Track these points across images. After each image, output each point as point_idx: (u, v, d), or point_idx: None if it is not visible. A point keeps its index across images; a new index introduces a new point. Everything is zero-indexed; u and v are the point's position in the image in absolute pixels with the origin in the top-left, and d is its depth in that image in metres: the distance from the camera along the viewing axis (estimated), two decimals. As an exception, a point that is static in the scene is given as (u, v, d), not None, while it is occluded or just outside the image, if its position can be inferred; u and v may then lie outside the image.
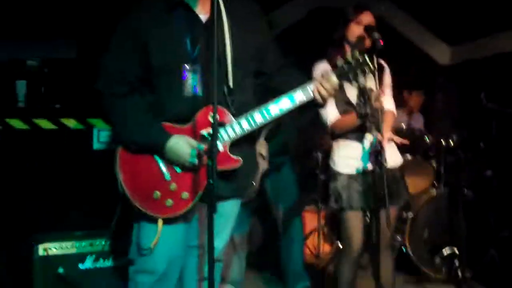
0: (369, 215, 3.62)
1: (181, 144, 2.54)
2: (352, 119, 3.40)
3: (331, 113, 3.50)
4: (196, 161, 2.53)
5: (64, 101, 4.86)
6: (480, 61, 7.04)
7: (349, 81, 2.70)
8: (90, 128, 4.63)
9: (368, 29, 3.37)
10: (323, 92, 2.61)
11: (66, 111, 4.69)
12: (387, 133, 3.42)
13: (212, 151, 2.33)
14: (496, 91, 5.36)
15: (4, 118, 4.54)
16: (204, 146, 2.52)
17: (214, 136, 2.35)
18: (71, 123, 4.62)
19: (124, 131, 2.64)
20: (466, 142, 5.67)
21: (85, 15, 5.47)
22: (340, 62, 2.67)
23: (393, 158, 3.57)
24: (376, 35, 3.24)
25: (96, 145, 4.62)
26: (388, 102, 3.60)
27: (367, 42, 3.34)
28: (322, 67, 3.45)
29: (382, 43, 3.23)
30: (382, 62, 3.61)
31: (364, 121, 3.35)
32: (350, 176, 3.52)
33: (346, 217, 3.55)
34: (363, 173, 3.46)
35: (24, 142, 4.56)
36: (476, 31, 7.03)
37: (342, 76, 2.65)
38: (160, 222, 2.61)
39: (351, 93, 3.44)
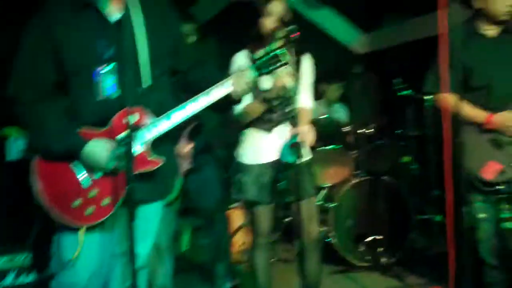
0: (281, 207, 3.61)
1: (99, 149, 2.48)
2: (258, 105, 3.42)
3: (243, 102, 3.47)
4: (114, 165, 2.47)
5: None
6: (395, 48, 7.22)
7: (266, 74, 2.74)
8: (3, 138, 4.47)
9: (282, 20, 3.36)
10: (240, 87, 2.64)
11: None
12: (302, 128, 3.39)
13: (129, 154, 2.30)
14: (410, 77, 5.50)
15: None
16: (122, 149, 2.46)
17: (130, 139, 2.31)
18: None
19: (39, 139, 2.56)
20: (384, 129, 5.82)
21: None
22: (256, 56, 2.70)
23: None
24: (291, 26, 3.24)
25: (11, 156, 4.46)
26: (305, 98, 3.59)
27: (282, 34, 3.32)
28: (240, 59, 3.45)
29: (297, 34, 3.27)
30: (303, 55, 3.61)
31: (271, 108, 3.41)
32: (255, 168, 3.51)
33: (252, 209, 3.56)
34: (268, 165, 3.48)
35: None
36: (389, 18, 7.21)
37: (259, 70, 2.68)
38: (81, 231, 2.54)
39: (266, 83, 3.44)
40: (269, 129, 3.50)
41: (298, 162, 3.17)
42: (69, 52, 2.51)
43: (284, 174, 3.32)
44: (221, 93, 2.63)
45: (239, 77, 2.64)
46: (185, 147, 4.23)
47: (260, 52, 2.70)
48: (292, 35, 3.20)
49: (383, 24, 7.53)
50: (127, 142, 2.32)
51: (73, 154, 2.50)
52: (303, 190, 3.25)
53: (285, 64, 2.73)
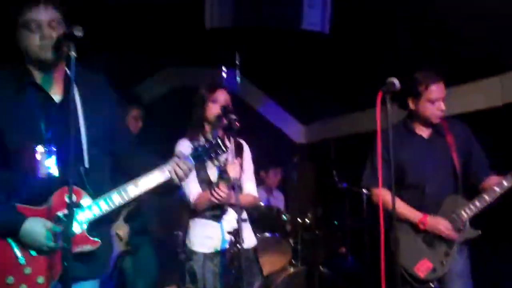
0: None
1: (37, 227, 2.46)
2: (208, 196, 3.46)
3: (193, 191, 3.53)
4: (52, 244, 2.46)
5: None
6: (333, 140, 7.43)
7: (204, 162, 2.85)
8: None
9: (224, 109, 3.46)
10: (179, 173, 2.68)
11: None
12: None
13: (67, 233, 2.32)
14: (347, 170, 5.65)
15: None
16: (60, 228, 2.47)
17: (70, 218, 2.34)
18: None
19: None
20: (321, 219, 5.90)
21: None
22: (195, 144, 2.79)
23: (248, 238, 3.59)
24: (232, 115, 3.37)
25: None
26: (250, 187, 3.69)
27: (224, 122, 3.43)
28: (183, 145, 3.51)
29: (238, 125, 3.36)
30: (242, 142, 3.72)
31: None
32: (206, 256, 3.53)
33: None
34: (220, 253, 3.50)
35: None
36: (329, 111, 7.45)
37: (197, 158, 2.75)
38: None
39: (213, 172, 3.53)
40: (217, 218, 3.54)
41: (237, 249, 3.20)
42: (12, 131, 2.54)
43: (230, 261, 3.35)
44: (160, 177, 2.66)
45: (178, 163, 2.69)
46: (122, 228, 4.22)
47: (199, 141, 2.81)
48: (233, 124, 3.33)
49: (320, 118, 7.77)
50: (66, 221, 2.35)
51: (11, 231, 2.47)
52: (249, 276, 3.27)
53: (224, 152, 2.82)
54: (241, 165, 3.61)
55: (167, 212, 4.98)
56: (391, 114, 2.95)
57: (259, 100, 7.70)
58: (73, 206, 2.37)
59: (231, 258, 3.40)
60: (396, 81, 2.92)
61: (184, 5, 5.32)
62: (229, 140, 3.53)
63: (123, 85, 2.95)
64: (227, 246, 3.46)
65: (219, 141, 2.77)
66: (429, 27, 4.83)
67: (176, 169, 2.67)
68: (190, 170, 2.71)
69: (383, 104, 2.93)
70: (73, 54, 2.38)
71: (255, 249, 3.69)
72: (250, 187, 3.68)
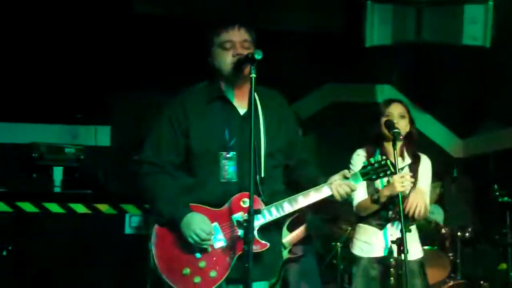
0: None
1: (195, 221, 2.71)
2: (370, 204, 3.58)
3: (358, 196, 3.63)
4: (204, 236, 2.69)
5: (97, 187, 5.08)
6: (492, 154, 7.25)
7: (372, 180, 2.99)
8: (122, 213, 4.80)
9: (387, 123, 3.53)
10: (341, 192, 2.83)
11: (99, 196, 4.89)
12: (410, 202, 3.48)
13: (248, 236, 2.51)
14: (507, 184, 5.53)
15: (42, 202, 4.77)
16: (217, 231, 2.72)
17: (250, 222, 2.53)
18: (104, 208, 4.80)
19: (152, 202, 2.86)
20: (481, 234, 5.78)
21: (120, 104, 5.78)
22: (365, 163, 2.95)
23: (413, 250, 3.56)
24: (396, 129, 3.42)
25: (127, 230, 4.78)
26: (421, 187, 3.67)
27: (389, 136, 3.49)
28: (358, 157, 3.66)
29: (402, 138, 3.45)
30: (421, 154, 3.76)
31: (383, 207, 3.54)
32: (364, 260, 3.63)
33: None
34: (379, 259, 3.59)
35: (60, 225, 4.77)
36: (487, 125, 7.29)
37: (365, 176, 2.91)
38: None
39: (380, 184, 3.60)
40: (380, 226, 3.63)
41: (398, 258, 3.30)
42: (199, 137, 2.85)
43: (388, 269, 3.43)
44: (326, 193, 2.84)
45: (342, 184, 2.84)
46: (285, 237, 4.42)
47: (369, 161, 2.94)
48: (397, 136, 3.40)
49: (479, 131, 7.60)
50: (246, 225, 2.55)
51: (176, 219, 2.74)
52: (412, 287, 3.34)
53: (393, 173, 2.96)
54: (415, 177, 3.60)
55: (328, 221, 5.12)
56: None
57: (416, 114, 7.65)
58: (253, 211, 2.55)
59: (389, 266, 3.47)
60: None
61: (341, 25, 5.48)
62: (407, 152, 3.66)
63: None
64: (386, 254, 3.53)
65: (388, 162, 2.92)
66: None
67: (339, 189, 2.83)
68: (352, 190, 2.86)
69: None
70: (253, 75, 2.62)
71: (421, 263, 3.71)
72: (421, 185, 3.68)
